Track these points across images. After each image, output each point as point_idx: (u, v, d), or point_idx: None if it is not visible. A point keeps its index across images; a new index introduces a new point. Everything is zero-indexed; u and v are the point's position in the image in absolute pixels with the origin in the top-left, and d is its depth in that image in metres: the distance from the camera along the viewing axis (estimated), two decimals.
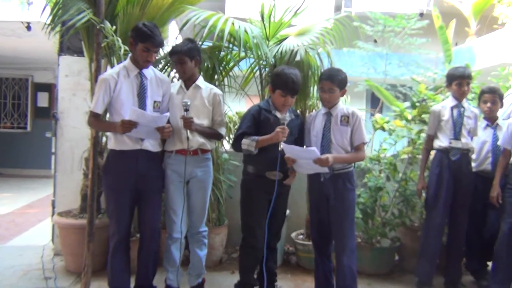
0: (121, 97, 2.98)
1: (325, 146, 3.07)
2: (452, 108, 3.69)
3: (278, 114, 3.12)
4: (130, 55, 3.10)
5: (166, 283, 3.29)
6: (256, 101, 4.07)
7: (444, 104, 3.76)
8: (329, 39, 3.95)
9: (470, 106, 3.79)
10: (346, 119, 3.12)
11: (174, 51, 3.14)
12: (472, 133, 3.73)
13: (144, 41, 2.93)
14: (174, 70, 3.96)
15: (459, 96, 3.68)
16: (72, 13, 3.47)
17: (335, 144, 3.09)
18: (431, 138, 3.80)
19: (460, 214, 3.71)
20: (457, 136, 3.63)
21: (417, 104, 4.14)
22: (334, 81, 3.08)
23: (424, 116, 4.06)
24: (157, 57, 3.18)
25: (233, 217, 4.30)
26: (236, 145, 3.12)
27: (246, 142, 3.03)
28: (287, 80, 3.04)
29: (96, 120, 3.03)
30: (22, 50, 8.18)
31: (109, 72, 3.02)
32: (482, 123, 3.94)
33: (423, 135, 4.15)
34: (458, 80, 3.68)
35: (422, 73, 6.01)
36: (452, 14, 9.02)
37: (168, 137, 3.09)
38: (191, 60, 3.14)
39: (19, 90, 10.19)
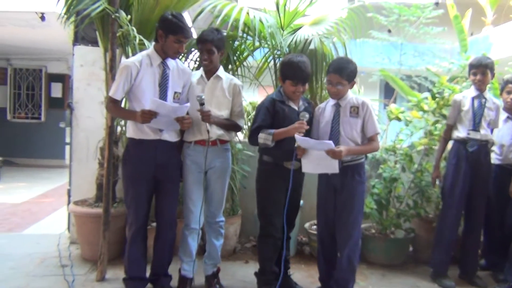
0: (143, 85, 2.97)
1: (334, 139, 3.01)
2: (473, 99, 3.63)
3: (292, 104, 3.10)
4: (154, 44, 3.07)
5: (181, 273, 3.30)
6: (270, 91, 4.06)
7: (465, 94, 3.71)
8: (343, 28, 3.92)
9: (493, 98, 3.73)
10: (356, 110, 3.05)
11: (204, 40, 3.10)
12: (492, 125, 3.67)
13: (176, 33, 2.90)
14: (188, 61, 3.98)
15: (478, 86, 3.63)
16: (87, 3, 3.47)
17: (343, 136, 3.03)
18: (450, 128, 3.76)
19: (477, 205, 3.67)
20: (476, 127, 3.58)
21: (437, 95, 4.08)
22: (343, 74, 2.98)
23: (444, 110, 4.01)
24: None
25: (247, 207, 4.33)
26: (252, 139, 3.10)
27: (262, 136, 3.01)
28: (296, 69, 3.01)
29: (115, 106, 3.03)
30: (36, 40, 8.22)
31: (132, 59, 3.01)
32: (503, 115, 3.88)
33: (439, 126, 4.11)
34: (473, 69, 3.64)
35: (437, 63, 5.91)
36: (468, 3, 8.87)
37: (188, 129, 3.08)
38: (218, 51, 3.12)
39: (33, 81, 10.27)
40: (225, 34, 3.82)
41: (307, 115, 2.97)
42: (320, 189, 3.23)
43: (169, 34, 2.92)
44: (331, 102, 3.14)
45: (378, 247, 4.05)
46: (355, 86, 3.19)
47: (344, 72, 2.98)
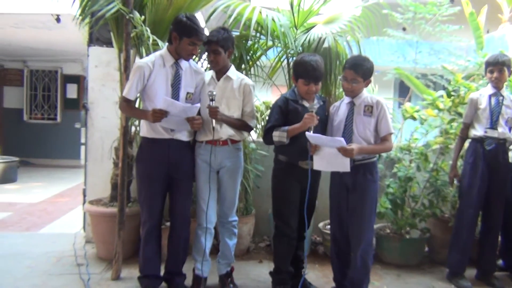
0: (155, 86, 3.00)
1: (347, 137, 2.99)
2: (490, 97, 3.59)
3: (306, 103, 3.10)
4: (167, 45, 3.09)
5: (195, 273, 3.32)
6: (284, 90, 4.06)
7: (482, 92, 3.67)
8: (358, 26, 3.90)
9: (510, 95, 3.68)
10: (370, 109, 3.04)
11: (209, 41, 3.09)
12: (510, 123, 3.62)
13: (190, 35, 2.92)
14: (202, 61, 4.00)
15: (495, 84, 3.58)
16: (101, 4, 3.51)
17: (356, 135, 3.02)
18: (467, 127, 3.72)
19: (495, 205, 3.63)
20: (493, 125, 3.54)
21: (453, 93, 4.04)
22: (358, 71, 2.98)
23: (460, 108, 3.97)
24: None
25: (261, 207, 4.34)
26: (267, 138, 3.12)
27: (276, 134, 3.03)
28: (308, 67, 3.00)
29: (128, 106, 3.06)
30: (52, 42, 8.33)
31: (145, 60, 3.04)
32: None
33: (455, 124, 4.07)
34: (490, 67, 3.60)
35: (453, 61, 5.85)
36: (484, 0, 8.76)
37: (198, 129, 3.09)
38: (225, 51, 3.11)
39: (49, 82, 10.40)
40: (237, 33, 3.85)
41: (315, 106, 2.98)
42: (332, 188, 3.22)
43: (183, 36, 2.94)
44: (346, 100, 3.13)
45: (393, 247, 4.02)
46: (369, 84, 3.17)
47: (360, 69, 2.98)
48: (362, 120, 3.03)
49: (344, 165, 2.90)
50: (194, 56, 3.76)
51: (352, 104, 3.08)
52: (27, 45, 8.66)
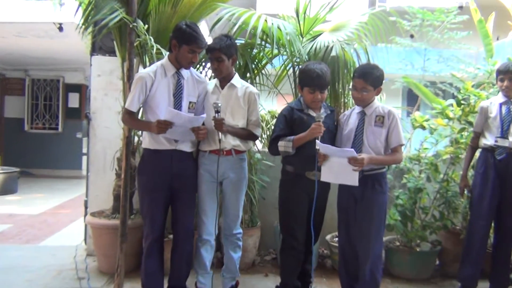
0: (157, 96, 3.01)
1: (356, 148, 2.99)
2: (501, 105, 3.57)
3: (312, 112, 3.09)
4: (168, 54, 3.11)
5: (197, 286, 3.30)
6: (290, 99, 4.06)
7: (492, 101, 3.66)
8: (365, 33, 3.90)
9: None
10: (381, 119, 3.03)
11: (212, 48, 3.10)
12: None
13: (189, 43, 2.93)
14: (206, 70, 4.01)
15: (506, 92, 3.57)
16: (104, 13, 3.52)
17: (366, 146, 3.01)
18: (477, 136, 3.70)
19: (507, 216, 3.58)
20: (504, 134, 3.51)
21: (463, 102, 4.02)
22: (368, 80, 2.98)
23: (470, 117, 3.95)
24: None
25: (266, 219, 4.31)
26: (272, 148, 3.12)
27: (282, 144, 3.03)
28: (312, 75, 3.01)
29: (131, 118, 3.07)
30: (54, 51, 8.40)
31: (146, 71, 3.06)
32: None
33: (465, 134, 4.05)
34: (501, 75, 3.59)
35: (462, 68, 5.85)
36: (493, 6, 8.76)
37: (203, 139, 3.09)
38: (229, 59, 3.11)
39: (51, 91, 10.47)
40: (242, 41, 3.86)
41: (322, 116, 2.97)
42: (340, 199, 3.21)
43: (182, 44, 2.95)
44: (356, 109, 3.13)
45: (403, 260, 3.98)
46: (380, 92, 3.16)
47: (369, 77, 2.98)
48: (373, 131, 3.02)
49: (352, 178, 2.88)
50: (196, 65, 3.81)
51: (363, 114, 3.07)
52: (29, 54, 8.74)
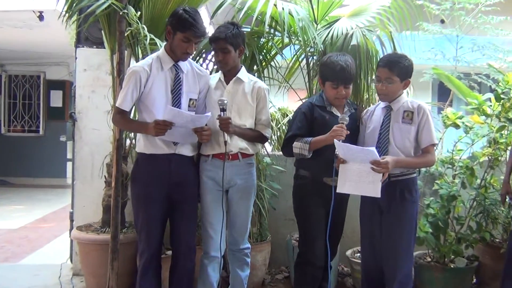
0: (153, 93, 3.00)
1: (381, 148, 2.99)
2: None
3: (336, 111, 3.10)
4: (165, 44, 3.11)
5: None
6: (302, 95, 4.06)
7: None
8: (388, 19, 3.90)
9: None
10: (410, 115, 3.02)
11: (216, 38, 3.09)
12: None
13: (184, 30, 2.92)
14: (207, 62, 4.02)
15: None
16: None
17: (393, 146, 3.00)
18: None
19: None
20: None
21: (503, 96, 3.99)
22: (394, 70, 2.97)
23: (511, 113, 3.93)
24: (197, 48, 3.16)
25: (277, 232, 4.31)
26: (286, 149, 3.13)
27: (297, 145, 3.03)
28: (335, 68, 3.01)
29: (123, 118, 3.06)
30: (34, 43, 8.44)
31: (141, 64, 3.05)
32: None
33: (505, 132, 4.03)
34: None
35: (501, 58, 5.83)
36: None
37: (207, 141, 3.09)
38: (236, 49, 3.11)
39: (30, 89, 10.51)
40: (248, 29, 3.85)
41: (347, 118, 2.97)
42: (363, 209, 3.20)
43: (176, 30, 2.94)
44: (381, 104, 3.13)
45: (435, 278, 3.95)
46: (408, 86, 3.14)
47: (395, 67, 2.97)
48: (400, 128, 3.01)
49: (374, 188, 2.86)
50: (196, 56, 3.81)
51: (389, 109, 3.06)
52: (5, 47, 8.78)
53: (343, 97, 3.09)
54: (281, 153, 3.44)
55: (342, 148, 2.87)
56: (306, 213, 3.15)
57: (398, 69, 2.98)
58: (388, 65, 2.98)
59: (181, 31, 2.93)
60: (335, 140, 2.87)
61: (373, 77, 3.81)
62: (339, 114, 3.08)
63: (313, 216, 3.11)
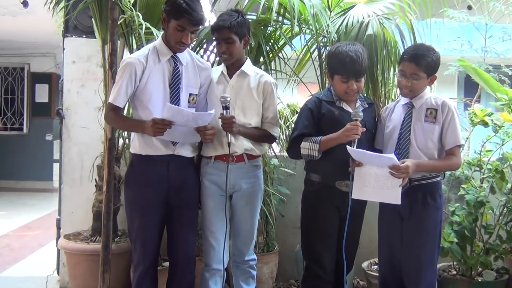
0: (149, 87, 3.00)
1: (402, 150, 2.99)
2: None
3: (346, 106, 3.09)
4: (162, 33, 3.11)
5: None
6: (314, 90, 4.05)
7: None
8: (409, 5, 3.90)
9: None
10: (433, 113, 3.01)
11: (219, 27, 3.08)
12: None
13: (178, 17, 2.90)
14: (208, 53, 4.02)
15: None
16: None
17: (415, 147, 3.00)
18: None
19: None
20: None
21: None
22: (421, 65, 2.95)
23: None
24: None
25: (286, 242, 4.33)
26: (292, 150, 3.12)
27: (305, 146, 3.02)
28: (345, 59, 2.99)
29: (117, 116, 3.06)
30: (17, 32, 8.48)
31: (135, 55, 3.05)
32: None
33: None
34: None
35: None
36: None
37: (210, 141, 3.08)
38: (241, 40, 3.10)
39: (13, 82, 10.55)
40: (254, 17, 3.86)
41: (360, 113, 2.95)
42: (382, 216, 3.20)
43: (171, 18, 2.93)
44: (402, 101, 3.12)
45: None
46: (434, 82, 3.14)
47: (423, 61, 2.96)
48: (423, 128, 3.01)
49: (393, 194, 2.87)
50: (196, 47, 3.81)
51: (410, 106, 3.06)
52: None
53: (355, 92, 3.07)
54: None
55: (357, 155, 2.87)
56: (316, 223, 3.12)
57: (426, 64, 2.96)
58: (415, 59, 2.96)
59: (175, 18, 2.91)
60: (347, 146, 2.85)
61: (391, 71, 3.81)
62: (350, 110, 3.06)
63: (324, 227, 3.10)
